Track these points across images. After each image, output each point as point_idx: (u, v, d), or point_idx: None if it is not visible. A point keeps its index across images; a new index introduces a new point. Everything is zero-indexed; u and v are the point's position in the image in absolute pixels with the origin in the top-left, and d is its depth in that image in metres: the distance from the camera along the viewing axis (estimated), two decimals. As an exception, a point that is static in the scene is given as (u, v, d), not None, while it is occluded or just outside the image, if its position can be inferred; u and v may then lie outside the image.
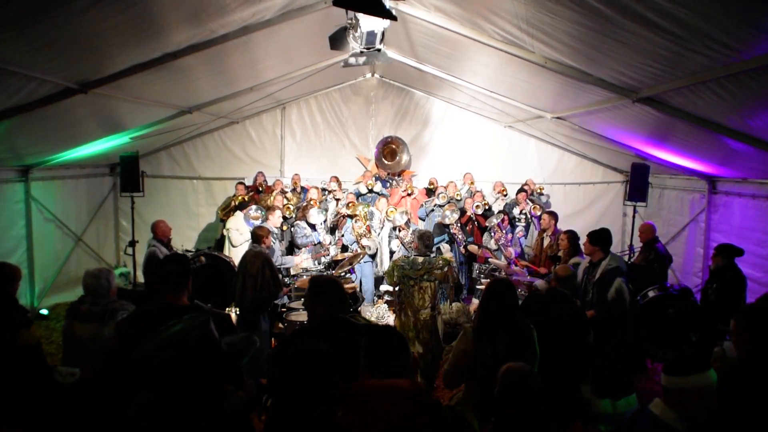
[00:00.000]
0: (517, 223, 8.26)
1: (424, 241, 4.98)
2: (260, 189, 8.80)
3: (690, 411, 2.02)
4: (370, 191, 8.75)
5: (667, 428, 2.02)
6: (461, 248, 7.57)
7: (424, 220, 8.25)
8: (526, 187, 8.80)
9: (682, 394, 2.03)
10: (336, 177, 9.14)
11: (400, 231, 7.47)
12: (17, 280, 3.52)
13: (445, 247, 7.38)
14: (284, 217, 7.44)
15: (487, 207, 8.27)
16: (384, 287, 7.60)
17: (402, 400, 1.82)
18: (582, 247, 5.71)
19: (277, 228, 6.67)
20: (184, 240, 9.41)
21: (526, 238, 8.22)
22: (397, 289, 4.96)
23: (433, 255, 5.05)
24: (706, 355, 2.46)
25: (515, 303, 3.18)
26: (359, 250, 7.09)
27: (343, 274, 6.72)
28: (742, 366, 2.38)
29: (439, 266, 4.82)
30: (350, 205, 7.68)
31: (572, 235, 6.02)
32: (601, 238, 4.61)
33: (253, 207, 7.49)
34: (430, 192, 8.92)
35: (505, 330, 3.01)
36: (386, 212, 7.77)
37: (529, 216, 8.27)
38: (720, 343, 3.38)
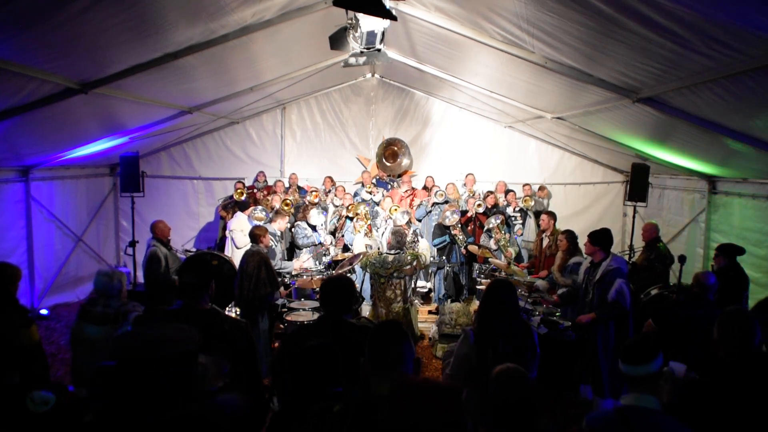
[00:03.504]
0: (514, 222, 8.28)
1: (397, 237, 5.17)
2: (257, 189, 8.81)
3: (655, 390, 2.14)
4: (372, 200, 8.72)
5: (650, 412, 2.07)
6: (462, 249, 7.57)
7: (420, 221, 8.25)
8: (526, 188, 8.85)
9: (645, 379, 2.13)
10: (330, 177, 9.18)
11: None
12: (17, 280, 3.52)
13: (423, 244, 7.36)
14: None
15: (495, 205, 8.28)
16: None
17: (443, 398, 1.90)
18: (582, 246, 5.73)
19: (280, 231, 6.67)
20: (185, 240, 9.42)
21: (522, 234, 8.24)
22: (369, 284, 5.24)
23: (402, 252, 5.21)
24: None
25: (516, 304, 3.18)
26: (362, 250, 7.09)
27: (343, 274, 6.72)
28: (721, 365, 2.55)
29: (407, 262, 5.03)
30: (350, 207, 7.68)
31: (570, 235, 6.03)
32: (601, 238, 4.60)
33: (259, 208, 7.50)
34: (429, 192, 8.93)
35: (505, 331, 3.00)
36: (389, 210, 7.78)
37: (521, 209, 8.32)
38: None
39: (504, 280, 3.32)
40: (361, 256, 6.88)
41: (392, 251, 5.09)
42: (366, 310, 6.96)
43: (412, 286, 5.30)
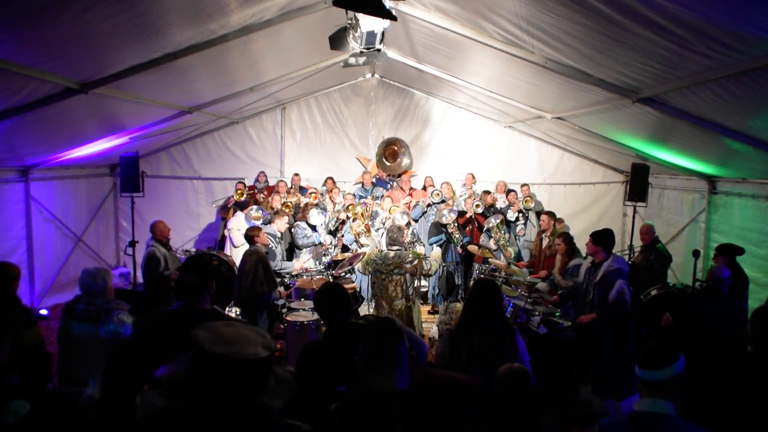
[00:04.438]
0: (516, 223, 8.27)
1: (391, 234, 5.20)
2: (258, 189, 8.81)
3: (670, 395, 2.09)
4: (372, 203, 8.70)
5: (666, 418, 2.05)
6: (458, 248, 7.57)
7: (417, 221, 8.25)
8: (524, 189, 8.84)
9: (662, 384, 2.08)
10: (331, 178, 9.15)
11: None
12: (18, 280, 3.53)
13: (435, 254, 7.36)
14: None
15: (492, 204, 8.26)
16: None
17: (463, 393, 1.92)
18: (581, 247, 5.74)
19: (280, 231, 6.67)
20: (185, 240, 9.42)
21: (525, 235, 8.23)
22: (371, 282, 5.19)
23: (403, 249, 5.21)
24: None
25: (499, 304, 3.14)
26: (360, 250, 7.09)
27: (343, 274, 6.72)
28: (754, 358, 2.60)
29: (408, 260, 5.01)
30: (350, 207, 7.67)
31: (567, 238, 6.03)
32: (603, 238, 4.60)
33: (254, 207, 7.49)
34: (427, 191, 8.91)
35: (482, 331, 2.98)
36: (389, 210, 7.79)
37: (524, 212, 8.30)
38: None
39: (489, 280, 3.33)
40: (362, 256, 6.90)
41: (393, 248, 5.11)
42: (365, 309, 6.96)
43: (414, 285, 5.28)
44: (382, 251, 5.18)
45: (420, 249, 7.03)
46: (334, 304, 2.79)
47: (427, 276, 5.34)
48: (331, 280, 6.33)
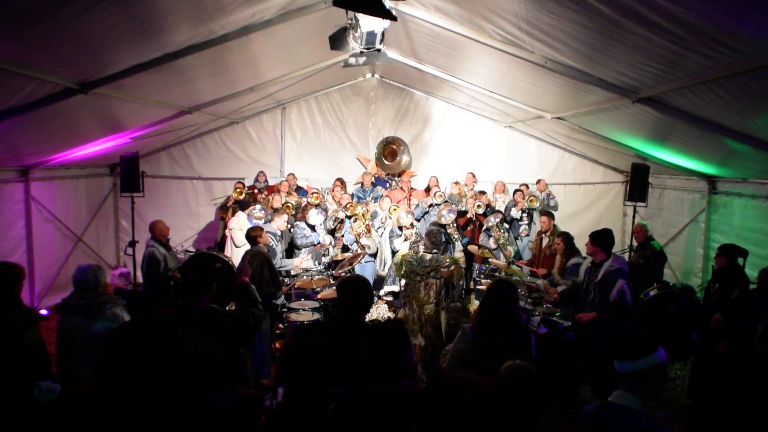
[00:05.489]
0: (520, 222, 8.26)
1: (431, 238, 5.12)
2: (258, 189, 8.80)
3: (642, 390, 2.16)
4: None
5: (627, 410, 2.13)
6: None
7: (419, 221, 8.23)
8: (522, 188, 8.83)
9: (633, 377, 2.16)
10: (341, 179, 9.13)
11: (405, 230, 7.46)
12: (22, 280, 3.54)
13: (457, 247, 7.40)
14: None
15: (488, 204, 8.26)
16: (385, 289, 7.58)
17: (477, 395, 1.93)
18: (580, 247, 5.73)
19: (280, 230, 6.67)
20: (184, 240, 9.42)
21: (529, 235, 8.21)
22: (403, 282, 5.08)
23: (439, 253, 5.14)
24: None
25: (515, 304, 3.16)
26: (359, 250, 7.08)
27: (343, 274, 6.72)
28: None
29: (446, 265, 4.94)
30: (348, 206, 7.67)
31: (566, 237, 6.04)
32: (602, 239, 4.59)
33: (257, 207, 7.49)
34: (429, 192, 8.90)
35: (503, 331, 2.99)
36: (389, 210, 7.77)
37: (527, 211, 8.29)
38: None
39: (506, 280, 3.31)
40: (361, 256, 6.89)
41: (432, 251, 5.05)
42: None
43: (446, 290, 5.18)
44: (418, 252, 5.12)
45: (422, 248, 7.01)
46: (357, 296, 2.78)
47: (453, 287, 5.24)
48: (331, 281, 6.34)
